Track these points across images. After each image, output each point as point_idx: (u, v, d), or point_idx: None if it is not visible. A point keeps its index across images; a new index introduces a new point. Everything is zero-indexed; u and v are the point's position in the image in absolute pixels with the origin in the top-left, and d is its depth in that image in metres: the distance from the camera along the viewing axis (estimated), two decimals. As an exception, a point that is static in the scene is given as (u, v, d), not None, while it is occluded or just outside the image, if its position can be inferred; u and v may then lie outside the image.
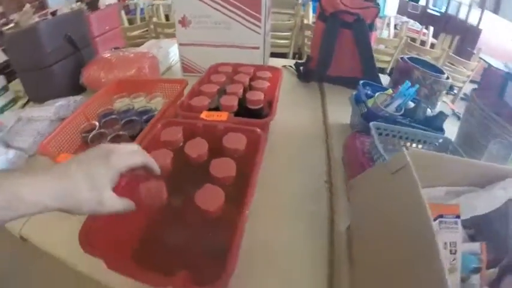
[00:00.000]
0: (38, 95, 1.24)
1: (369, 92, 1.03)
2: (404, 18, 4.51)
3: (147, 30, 2.98)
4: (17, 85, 1.31)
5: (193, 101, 0.82)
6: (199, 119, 0.74)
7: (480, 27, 4.45)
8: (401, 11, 5.39)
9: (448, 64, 2.94)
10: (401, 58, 1.25)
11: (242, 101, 0.84)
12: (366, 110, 0.93)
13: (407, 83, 0.95)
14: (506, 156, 0.85)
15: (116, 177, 0.47)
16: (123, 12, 3.06)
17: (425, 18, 5.13)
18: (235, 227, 0.46)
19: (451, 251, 0.53)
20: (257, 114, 0.82)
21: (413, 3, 5.42)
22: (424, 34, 3.45)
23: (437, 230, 0.54)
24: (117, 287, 0.57)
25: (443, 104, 1.28)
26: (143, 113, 0.97)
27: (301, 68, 1.40)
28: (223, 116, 0.75)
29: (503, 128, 0.83)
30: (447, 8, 5.10)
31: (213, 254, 0.44)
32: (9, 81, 1.30)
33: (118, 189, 0.49)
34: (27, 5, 2.97)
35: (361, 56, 1.24)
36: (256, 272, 0.60)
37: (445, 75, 1.17)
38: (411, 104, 1.00)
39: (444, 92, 1.20)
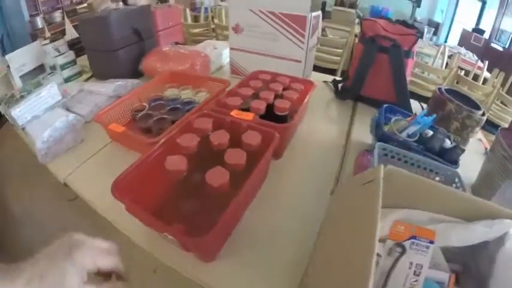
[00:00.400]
0: (101, 73, 1.43)
1: (390, 116, 1.07)
2: (462, 50, 4.35)
3: (208, 30, 3.15)
4: (83, 60, 1.50)
5: (229, 100, 0.94)
6: (228, 115, 0.86)
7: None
8: (464, 42, 5.24)
9: (497, 102, 2.84)
10: (439, 89, 1.27)
11: (271, 107, 0.95)
12: (381, 132, 0.99)
13: (424, 112, 1.00)
14: None
15: (84, 273, 0.43)
16: (188, 10, 3.26)
17: (487, 51, 4.94)
18: (229, 202, 0.57)
19: (415, 272, 0.56)
20: (282, 119, 0.92)
21: (476, 34, 5.22)
22: (479, 68, 3.33)
23: (407, 248, 0.57)
24: (130, 234, 0.72)
25: (478, 141, 1.27)
26: (187, 104, 1.09)
27: (339, 85, 1.47)
28: (249, 116, 0.86)
29: None
30: (511, 43, 4.88)
31: (211, 220, 0.55)
32: (77, 55, 1.49)
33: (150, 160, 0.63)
34: (102, -12, 3.22)
35: (395, 81, 1.28)
36: (246, 247, 0.70)
37: (481, 112, 1.15)
38: (430, 133, 1.02)
39: (478, 128, 1.17)
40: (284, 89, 1.07)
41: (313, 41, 1.40)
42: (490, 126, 2.46)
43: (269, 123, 0.84)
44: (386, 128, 1.01)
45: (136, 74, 1.42)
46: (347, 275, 0.46)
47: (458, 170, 0.88)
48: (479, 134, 1.27)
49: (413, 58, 1.33)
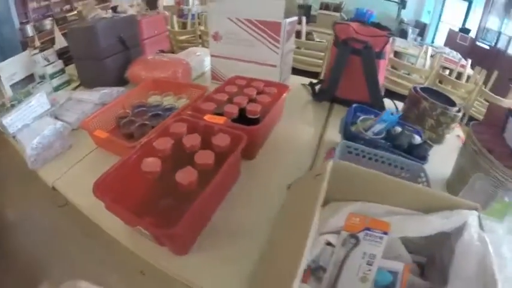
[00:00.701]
0: (88, 81, 1.48)
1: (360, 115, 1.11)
2: (446, 49, 4.42)
3: (194, 36, 3.21)
4: (72, 69, 1.56)
5: (204, 105, 1.01)
6: (202, 120, 0.93)
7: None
8: (450, 41, 5.31)
9: (481, 99, 2.91)
10: (414, 88, 1.31)
11: (244, 111, 1.01)
12: (348, 131, 1.02)
13: (389, 110, 1.05)
14: (494, 194, 0.82)
15: None
16: (174, 17, 3.31)
17: (473, 50, 5.01)
18: (198, 197, 0.64)
19: (368, 261, 0.58)
20: (254, 122, 0.98)
21: (462, 34, 5.30)
22: (462, 66, 3.38)
23: (360, 239, 0.60)
24: (114, 233, 0.79)
25: (457, 137, 1.30)
26: (168, 110, 1.16)
27: (317, 87, 1.53)
28: (221, 120, 0.93)
29: (491, 163, 0.84)
30: (496, 41, 4.95)
31: (182, 215, 0.61)
32: (66, 64, 1.54)
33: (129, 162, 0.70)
34: (92, -4, 3.28)
35: (367, 82, 1.33)
36: (220, 242, 0.76)
37: (456, 108, 1.19)
38: (399, 130, 1.04)
39: (453, 124, 1.21)
40: (258, 93, 1.13)
41: (289, 46, 1.47)
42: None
43: (239, 125, 0.91)
44: (354, 128, 1.05)
45: (122, 81, 1.48)
46: (284, 264, 0.51)
47: (434, 166, 0.91)
48: (457, 130, 1.31)
49: (385, 59, 1.38)
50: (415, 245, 0.67)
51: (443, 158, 1.03)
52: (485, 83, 3.08)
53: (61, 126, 1.09)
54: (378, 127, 1.03)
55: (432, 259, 0.67)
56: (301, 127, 1.28)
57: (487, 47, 5.06)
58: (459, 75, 3.25)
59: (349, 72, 1.35)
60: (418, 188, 0.69)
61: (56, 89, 1.48)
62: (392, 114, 1.04)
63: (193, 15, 3.52)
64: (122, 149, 0.93)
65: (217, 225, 0.81)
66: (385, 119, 1.03)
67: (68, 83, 1.54)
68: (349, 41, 1.33)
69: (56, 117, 1.19)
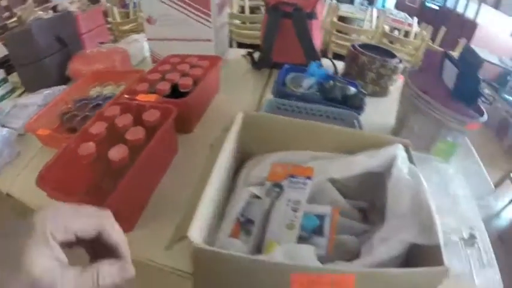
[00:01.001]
0: (31, 85, 1.46)
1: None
2: (394, 11, 4.55)
3: (136, 25, 3.19)
4: (15, 77, 1.54)
5: (138, 86, 1.04)
6: (135, 100, 0.97)
7: (479, 21, 4.42)
8: (400, 5, 5.44)
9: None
10: (352, 45, 1.37)
11: (177, 86, 1.05)
12: (280, 90, 1.07)
13: (316, 64, 1.10)
14: (435, 135, 0.87)
15: (51, 243, 0.30)
16: (115, 8, 3.27)
17: (423, 11, 5.15)
18: (128, 171, 0.69)
19: (293, 208, 0.59)
20: (186, 95, 1.01)
21: None
22: (409, 25, 3.58)
23: (284, 187, 0.63)
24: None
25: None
26: (108, 98, 1.17)
27: (256, 56, 1.57)
28: (152, 97, 0.97)
29: (429, 104, 0.86)
30: (445, 1, 5.10)
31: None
32: (8, 73, 1.52)
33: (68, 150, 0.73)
34: (30, 0, 3.19)
35: (301, 43, 1.39)
36: (164, 217, 0.80)
37: (396, 60, 1.25)
38: (332, 83, 1.08)
39: (395, 76, 1.28)
40: (191, 68, 1.17)
41: (222, 19, 1.50)
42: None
43: (169, 100, 0.95)
44: (287, 88, 1.10)
45: (65, 80, 1.48)
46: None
47: (379, 117, 1.00)
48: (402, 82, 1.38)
49: (317, 18, 1.44)
50: (348, 189, 0.70)
51: (388, 110, 1.09)
52: (433, 39, 3.23)
53: (7, 132, 1.10)
54: (308, 82, 1.09)
55: (373, 203, 0.69)
56: (241, 97, 1.32)
57: (437, 8, 5.21)
58: (407, 34, 3.44)
59: (283, 37, 1.40)
60: (342, 129, 0.72)
61: (1, 99, 1.47)
62: (319, 67, 1.10)
63: (135, 3, 3.47)
64: (63, 142, 0.95)
65: (161, 199, 0.85)
66: (312, 73, 1.09)
67: (12, 91, 1.53)
68: (279, 5, 1.37)
69: (3, 126, 1.20)
